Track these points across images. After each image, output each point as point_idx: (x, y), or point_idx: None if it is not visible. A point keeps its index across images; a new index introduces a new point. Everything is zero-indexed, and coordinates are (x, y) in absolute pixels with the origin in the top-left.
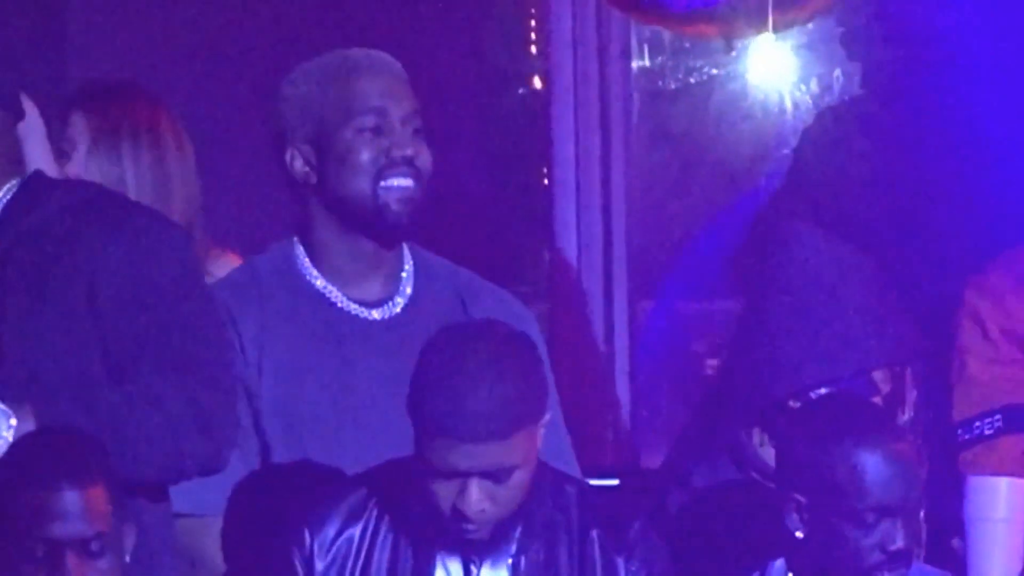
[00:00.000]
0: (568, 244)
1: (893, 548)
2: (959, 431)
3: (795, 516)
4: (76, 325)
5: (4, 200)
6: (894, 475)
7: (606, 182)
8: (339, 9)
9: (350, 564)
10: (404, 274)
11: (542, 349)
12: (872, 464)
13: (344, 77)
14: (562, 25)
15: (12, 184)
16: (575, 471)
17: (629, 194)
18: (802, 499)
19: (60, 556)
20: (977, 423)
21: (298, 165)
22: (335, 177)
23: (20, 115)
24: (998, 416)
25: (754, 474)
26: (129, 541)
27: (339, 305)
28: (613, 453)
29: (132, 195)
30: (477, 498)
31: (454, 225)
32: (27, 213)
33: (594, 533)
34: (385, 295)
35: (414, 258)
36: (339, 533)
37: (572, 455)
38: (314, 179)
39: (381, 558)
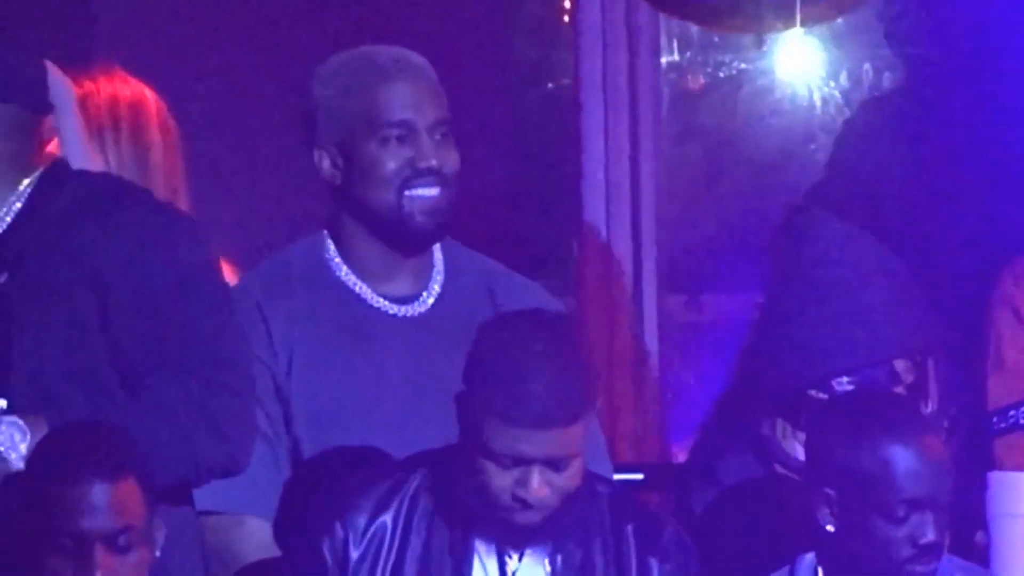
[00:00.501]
0: (597, 238)
1: (924, 541)
2: (995, 420)
3: (825, 510)
4: (85, 329)
5: (27, 192)
6: (924, 469)
7: (635, 177)
8: (369, 5)
9: (384, 552)
10: (434, 270)
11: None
12: (903, 458)
13: (370, 84)
14: (591, 20)
15: (29, 180)
16: (608, 469)
17: (658, 189)
18: (832, 493)
19: (89, 550)
20: (1012, 411)
21: (326, 165)
22: (360, 185)
23: (43, 110)
24: None
25: (778, 466)
26: (160, 536)
27: (368, 301)
28: (642, 448)
29: None
30: (539, 485)
31: (484, 220)
32: (44, 206)
33: (629, 532)
34: (414, 291)
35: (444, 253)
36: (371, 521)
37: (605, 453)
38: (340, 180)
39: (416, 546)
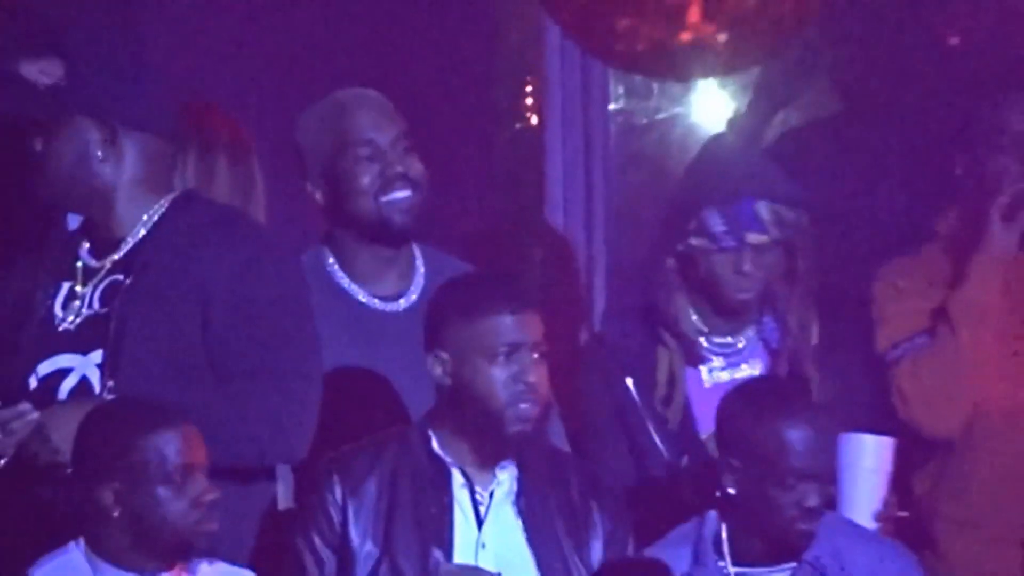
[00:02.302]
0: (557, 244)
1: (807, 505)
2: (887, 356)
3: (730, 476)
4: (188, 332)
5: (156, 215)
6: (813, 447)
7: (589, 199)
8: (355, 54)
9: (378, 502)
10: (416, 272)
11: None
12: (795, 438)
13: (337, 118)
14: (552, 72)
15: (164, 201)
16: (564, 444)
17: (608, 208)
18: (736, 463)
19: (191, 477)
20: (900, 345)
21: (318, 195)
22: (344, 200)
23: (174, 138)
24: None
25: (663, 331)
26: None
27: (362, 300)
28: None
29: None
30: (534, 366)
31: (461, 237)
32: (172, 225)
33: (573, 480)
34: (400, 290)
35: (424, 256)
36: (365, 478)
37: (563, 434)
38: (330, 204)
39: (404, 496)
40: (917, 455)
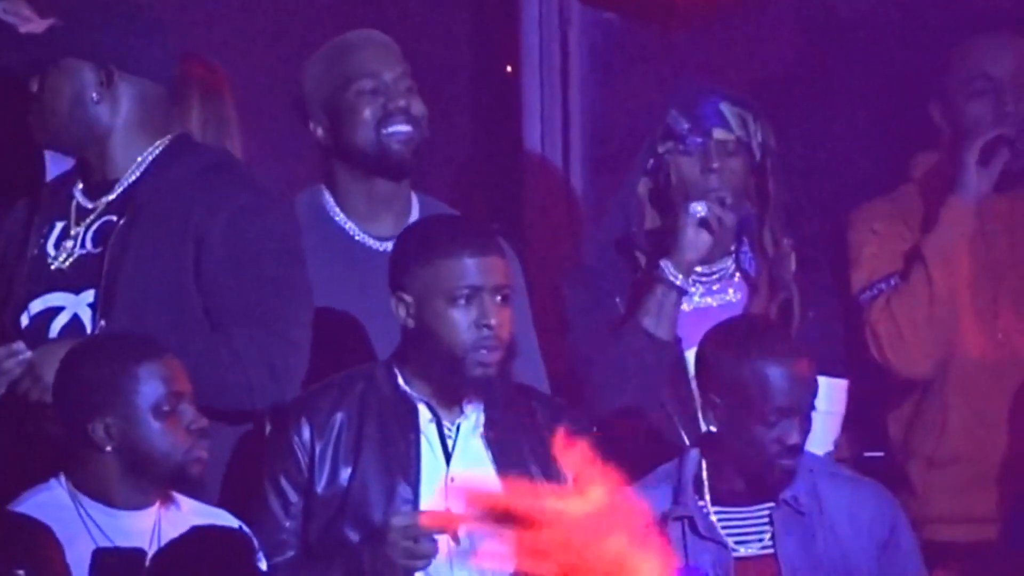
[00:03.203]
0: (537, 183)
1: (790, 443)
2: (863, 295)
3: (711, 414)
4: (182, 275)
5: (150, 157)
6: (793, 385)
7: (566, 128)
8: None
9: (344, 438)
10: (410, 215)
11: (520, 279)
12: (776, 375)
13: (343, 54)
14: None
15: (159, 144)
16: (541, 378)
17: (584, 135)
18: (718, 400)
19: (180, 405)
20: (876, 285)
21: (319, 132)
22: (346, 134)
23: (169, 83)
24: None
25: (637, 254)
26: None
27: (357, 239)
28: None
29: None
30: (493, 310)
31: (440, 171)
32: (167, 168)
33: (539, 410)
34: (395, 231)
35: (419, 201)
36: (332, 413)
37: (543, 375)
38: (331, 139)
39: (371, 432)
40: (891, 396)
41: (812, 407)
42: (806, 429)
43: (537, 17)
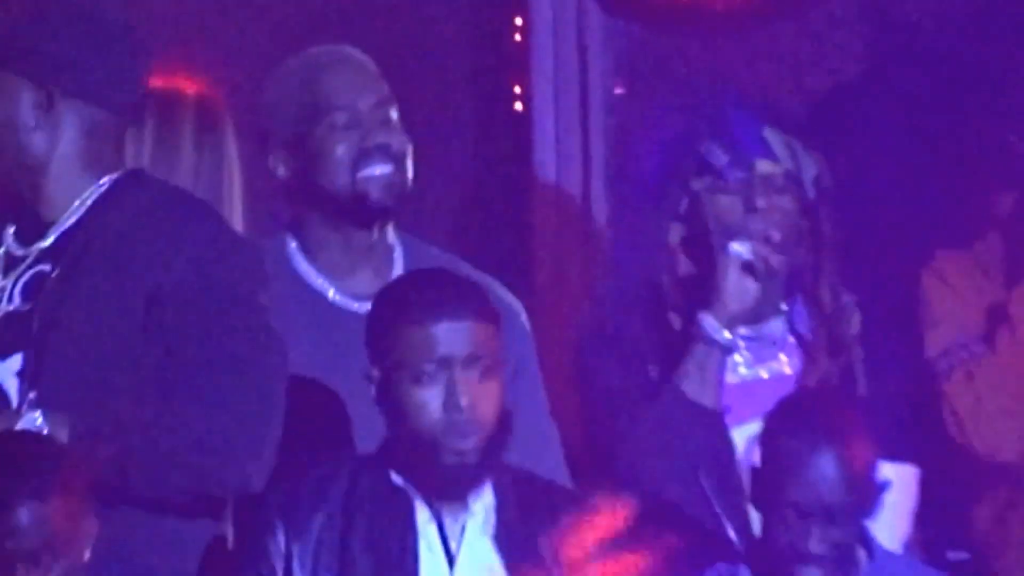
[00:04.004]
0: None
1: (803, 549)
2: (939, 362)
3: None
4: (131, 338)
5: (93, 197)
6: (817, 477)
7: (586, 151)
8: (331, 12)
9: (326, 542)
10: (394, 267)
11: (529, 342)
12: (799, 462)
13: (310, 80)
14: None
15: (105, 181)
16: (559, 462)
17: (608, 162)
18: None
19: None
20: (951, 352)
21: (280, 169)
22: (315, 175)
23: (126, 113)
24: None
25: (671, 313)
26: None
27: (331, 298)
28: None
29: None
30: (465, 387)
31: (436, 209)
32: (112, 209)
33: (553, 495)
34: (374, 287)
35: (404, 248)
36: (312, 512)
37: (558, 444)
38: (297, 180)
39: (360, 529)
40: (977, 483)
41: (849, 505)
42: (832, 534)
43: (551, 27)
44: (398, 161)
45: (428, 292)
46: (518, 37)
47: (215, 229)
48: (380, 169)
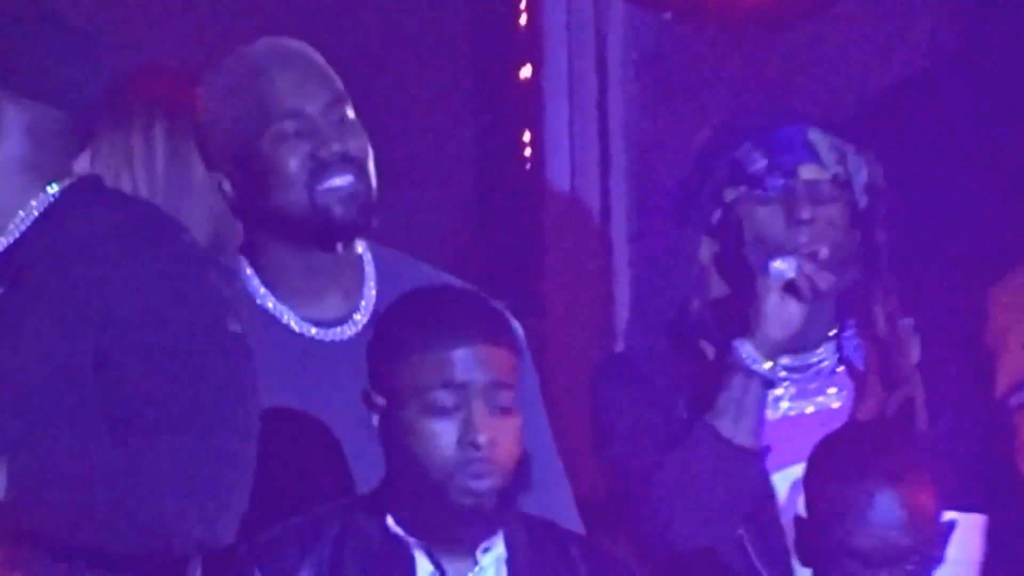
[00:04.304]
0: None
1: None
2: (1012, 398)
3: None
4: (81, 369)
5: (40, 208)
6: (880, 520)
7: (604, 162)
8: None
9: None
10: (365, 286)
11: (531, 370)
12: (859, 505)
13: (249, 85)
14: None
15: (54, 190)
16: (569, 508)
17: (630, 172)
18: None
19: None
20: None
21: (227, 188)
22: (265, 193)
23: (79, 112)
24: None
25: (702, 341)
26: None
27: (292, 327)
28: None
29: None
30: (483, 420)
31: (428, 226)
32: (64, 222)
33: (582, 566)
34: (344, 312)
35: (377, 264)
36: (296, 566)
37: (571, 501)
38: (246, 199)
39: None
40: None
41: (917, 549)
42: None
43: (565, 17)
44: (359, 168)
45: (445, 311)
46: (524, 20)
47: (179, 248)
48: (340, 180)
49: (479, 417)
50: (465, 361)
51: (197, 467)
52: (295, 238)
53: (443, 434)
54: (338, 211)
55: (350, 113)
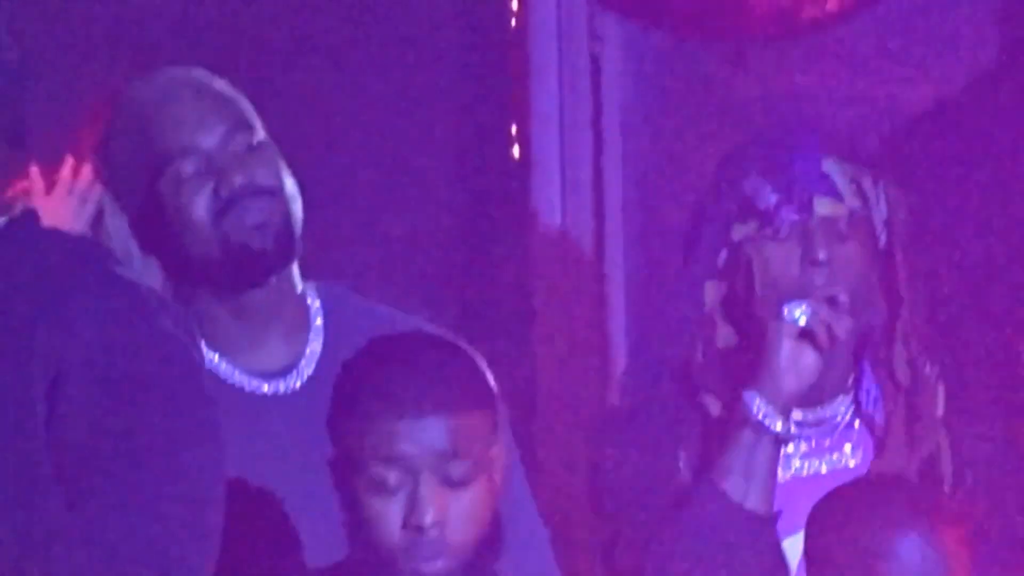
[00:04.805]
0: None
1: None
2: None
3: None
4: (27, 424)
5: None
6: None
7: (598, 186)
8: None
9: None
10: (310, 331)
11: (503, 411)
12: (908, 554)
13: (140, 125)
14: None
15: None
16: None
17: (627, 201)
18: None
19: None
20: None
21: (137, 239)
22: (175, 242)
23: (13, 142)
24: None
25: (707, 395)
26: None
27: (228, 381)
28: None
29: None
30: (430, 502)
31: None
32: None
33: None
34: (287, 361)
35: (324, 305)
36: None
37: (548, 553)
38: (156, 248)
39: None
40: None
41: None
42: None
43: (555, 33)
44: (271, 196)
45: (394, 373)
46: (514, 22)
47: (128, 287)
48: (250, 214)
49: (426, 494)
50: (410, 433)
51: (159, 535)
52: (216, 283)
53: (387, 514)
54: (253, 244)
55: (257, 137)
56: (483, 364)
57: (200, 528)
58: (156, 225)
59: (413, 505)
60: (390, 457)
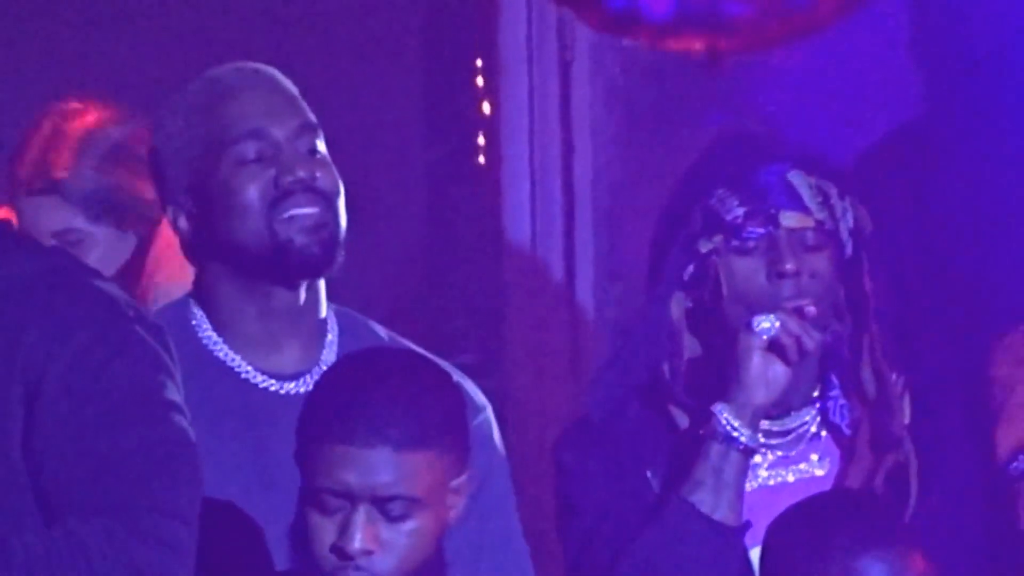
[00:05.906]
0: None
1: None
2: (1012, 464)
3: None
4: (6, 442)
5: None
6: None
7: (568, 198)
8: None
9: None
10: (326, 340)
11: (493, 447)
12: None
13: (212, 105)
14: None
15: None
16: None
17: (597, 212)
18: None
19: None
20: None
21: (182, 223)
22: (221, 224)
23: None
24: None
25: (674, 408)
26: None
27: (246, 378)
28: None
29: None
30: (361, 531)
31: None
32: None
33: None
34: (304, 366)
35: (339, 321)
36: None
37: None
38: (200, 233)
39: None
40: None
41: None
42: None
43: (524, 47)
44: (327, 201)
45: (352, 397)
46: (480, 62)
47: (108, 303)
48: (303, 209)
49: (358, 522)
50: (354, 462)
51: (137, 554)
52: (252, 276)
53: (320, 534)
54: (299, 241)
55: (321, 147)
56: (463, 402)
57: (176, 546)
58: (206, 207)
59: (343, 530)
60: (332, 479)
